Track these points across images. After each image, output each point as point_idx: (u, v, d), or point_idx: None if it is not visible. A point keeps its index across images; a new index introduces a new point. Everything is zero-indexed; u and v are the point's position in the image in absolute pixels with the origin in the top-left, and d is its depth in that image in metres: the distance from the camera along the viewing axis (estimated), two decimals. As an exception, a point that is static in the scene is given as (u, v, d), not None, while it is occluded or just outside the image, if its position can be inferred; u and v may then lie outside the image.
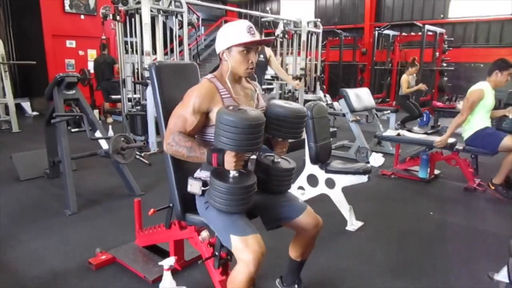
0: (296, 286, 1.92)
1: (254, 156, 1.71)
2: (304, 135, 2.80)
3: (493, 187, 3.54)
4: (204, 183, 1.63)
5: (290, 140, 1.72)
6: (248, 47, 1.58)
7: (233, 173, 1.51)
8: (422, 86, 6.83)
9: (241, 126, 1.40)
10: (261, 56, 3.75)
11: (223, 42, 1.61)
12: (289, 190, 1.81)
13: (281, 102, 1.65)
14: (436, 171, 4.20)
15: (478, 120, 3.61)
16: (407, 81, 6.56)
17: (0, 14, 8.94)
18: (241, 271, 1.47)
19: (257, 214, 1.78)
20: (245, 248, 1.45)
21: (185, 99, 1.60)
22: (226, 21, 10.93)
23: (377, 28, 10.79)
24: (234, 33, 1.58)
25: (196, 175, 1.71)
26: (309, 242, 1.79)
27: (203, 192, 1.63)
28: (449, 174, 4.23)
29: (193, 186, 1.66)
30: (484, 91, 3.53)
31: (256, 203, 1.66)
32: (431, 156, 4.00)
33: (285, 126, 1.60)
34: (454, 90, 9.37)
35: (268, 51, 4.24)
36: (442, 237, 2.73)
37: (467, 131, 3.71)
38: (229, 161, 1.47)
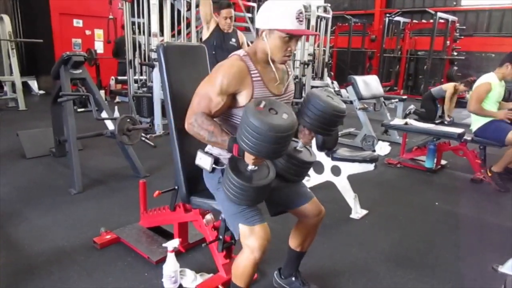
0: (293, 278, 1.88)
1: None
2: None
3: (490, 174, 3.51)
4: (216, 161, 1.58)
5: None
6: (291, 35, 1.44)
7: (251, 167, 1.41)
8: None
9: (267, 135, 1.26)
10: (233, 40, 3.63)
11: (268, 21, 1.44)
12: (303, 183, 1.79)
13: (323, 94, 1.52)
14: (443, 162, 4.17)
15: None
16: (451, 91, 6.33)
17: (8, -9, 8.86)
18: (246, 257, 1.48)
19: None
20: (251, 235, 1.45)
21: (212, 76, 1.48)
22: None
23: (387, 15, 10.59)
24: (282, 15, 1.41)
25: (207, 149, 1.63)
26: (310, 231, 1.77)
27: (213, 169, 1.58)
28: (456, 164, 4.20)
29: (203, 161, 1.59)
30: (491, 84, 3.51)
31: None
32: (438, 146, 3.96)
33: (320, 120, 1.49)
34: (464, 80, 9.23)
35: (241, 36, 3.86)
36: (447, 228, 2.72)
37: (475, 123, 3.67)
38: (249, 157, 1.37)
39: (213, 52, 3.39)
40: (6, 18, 6.55)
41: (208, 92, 1.46)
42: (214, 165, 1.58)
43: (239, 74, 1.45)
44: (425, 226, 2.73)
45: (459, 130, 3.80)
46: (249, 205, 1.49)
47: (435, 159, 3.96)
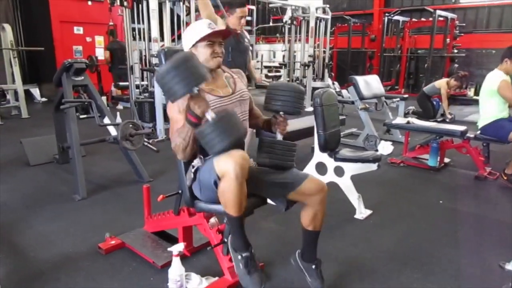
0: (313, 266, 1.86)
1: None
2: (313, 122, 2.78)
3: (505, 177, 3.49)
4: (194, 168, 1.72)
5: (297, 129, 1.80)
6: (212, 40, 1.71)
7: (209, 115, 1.53)
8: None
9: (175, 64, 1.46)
10: (245, 39, 3.55)
11: (189, 42, 1.75)
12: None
13: (282, 82, 1.74)
14: (446, 160, 4.16)
15: (496, 110, 3.58)
16: (446, 88, 6.33)
17: (9, 0, 8.92)
18: (227, 180, 1.51)
19: (266, 197, 1.84)
20: (226, 158, 1.50)
21: (170, 103, 1.67)
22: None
23: (386, 14, 10.59)
24: (196, 31, 1.72)
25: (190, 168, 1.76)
26: (318, 209, 1.77)
27: (195, 173, 1.71)
28: (460, 162, 4.19)
29: (188, 176, 1.75)
30: (506, 79, 3.50)
31: (261, 184, 1.75)
32: (441, 144, 3.95)
33: (291, 99, 1.78)
34: (466, 78, 9.21)
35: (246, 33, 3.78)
36: (452, 226, 2.71)
37: (483, 120, 3.67)
38: (193, 105, 1.52)
39: (229, 59, 3.14)
40: (8, 27, 6.60)
41: (174, 114, 1.69)
42: (192, 170, 1.72)
43: None
44: (430, 225, 2.72)
45: (461, 128, 3.79)
46: (231, 143, 1.52)
47: (438, 157, 3.95)
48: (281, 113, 1.84)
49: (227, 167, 1.49)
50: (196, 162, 1.72)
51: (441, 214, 2.92)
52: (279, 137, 1.84)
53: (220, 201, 1.58)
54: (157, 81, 1.50)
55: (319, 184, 1.77)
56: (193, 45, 1.74)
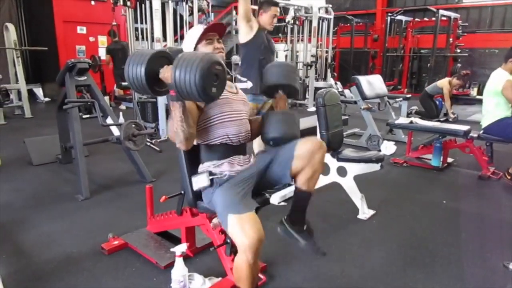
0: (304, 227, 1.80)
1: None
2: (316, 122, 2.78)
3: (509, 177, 3.48)
4: (210, 173, 1.70)
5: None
6: (209, 38, 1.75)
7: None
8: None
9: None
10: (272, 40, 3.51)
11: (191, 43, 1.78)
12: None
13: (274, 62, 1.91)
14: (450, 159, 4.14)
15: (499, 109, 3.57)
16: (448, 88, 6.31)
17: (12, 0, 8.95)
18: (240, 258, 1.51)
19: (270, 184, 1.83)
20: (241, 232, 1.47)
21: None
22: (235, 7, 10.83)
23: (389, 14, 10.56)
24: (193, 35, 1.77)
25: (199, 169, 1.76)
26: (317, 168, 1.69)
27: (211, 181, 1.68)
28: (463, 162, 4.17)
29: (200, 181, 1.72)
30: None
31: (262, 170, 1.75)
32: (444, 144, 3.94)
33: (285, 74, 1.92)
34: (468, 76, 9.18)
35: None
36: (455, 226, 2.70)
37: (487, 119, 3.66)
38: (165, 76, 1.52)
39: (262, 57, 3.12)
40: (11, 27, 6.61)
41: None
42: (210, 177, 1.69)
43: None
44: (434, 225, 2.71)
45: (465, 127, 3.78)
46: (213, 95, 1.48)
47: (442, 157, 3.94)
48: (280, 92, 1.92)
49: (241, 245, 1.47)
50: (207, 166, 1.73)
51: (444, 214, 2.90)
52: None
53: (233, 268, 1.60)
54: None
55: (317, 142, 1.70)
56: (194, 49, 1.77)
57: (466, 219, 2.83)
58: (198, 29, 1.77)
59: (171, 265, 1.92)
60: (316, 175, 1.72)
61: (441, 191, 3.41)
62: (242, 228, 1.47)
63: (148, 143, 4.46)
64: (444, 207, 3.04)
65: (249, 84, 2.48)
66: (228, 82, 1.84)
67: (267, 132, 1.81)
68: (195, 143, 1.76)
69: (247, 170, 1.75)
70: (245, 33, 3.10)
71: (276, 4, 3.18)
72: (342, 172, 2.88)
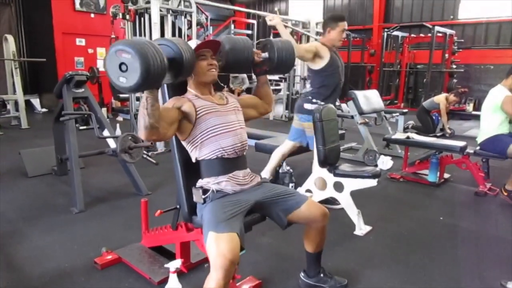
0: (321, 275, 1.98)
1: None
2: (312, 136, 2.78)
3: (505, 193, 3.48)
4: (204, 191, 1.70)
5: None
6: (203, 54, 1.74)
7: None
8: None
9: None
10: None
11: None
12: (295, 190, 1.87)
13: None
14: (446, 175, 4.15)
15: (496, 125, 3.58)
16: (445, 103, 6.36)
17: (12, 11, 9.03)
18: (211, 277, 1.47)
19: (265, 215, 1.83)
20: (215, 251, 1.45)
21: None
22: (234, 21, 10.96)
23: (386, 29, 10.71)
24: None
25: (197, 184, 1.76)
26: (319, 233, 1.86)
27: (204, 199, 1.69)
28: (460, 178, 4.17)
29: (196, 196, 1.73)
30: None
31: (261, 201, 1.74)
32: (441, 159, 3.95)
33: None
34: (465, 94, 9.27)
35: None
36: (452, 243, 2.68)
37: (483, 135, 3.67)
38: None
39: (340, 80, 3.21)
40: (10, 38, 6.65)
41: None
42: (202, 195, 1.69)
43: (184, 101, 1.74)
44: (430, 242, 2.70)
45: (461, 143, 3.79)
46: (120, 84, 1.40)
47: (438, 173, 3.94)
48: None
49: (213, 262, 1.46)
50: (205, 182, 1.73)
51: (441, 231, 2.89)
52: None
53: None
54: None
55: (320, 209, 1.81)
56: None
57: (463, 236, 2.82)
58: (192, 44, 1.77)
59: (164, 281, 1.90)
60: (320, 239, 1.89)
61: (438, 207, 3.41)
62: (218, 247, 1.45)
63: (145, 155, 4.44)
64: (441, 223, 3.03)
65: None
66: (217, 94, 1.87)
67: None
68: (193, 160, 1.76)
69: (246, 192, 1.74)
70: (317, 63, 3.08)
71: (343, 18, 3.08)
72: (338, 187, 2.87)
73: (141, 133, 1.51)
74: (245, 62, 1.88)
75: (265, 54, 1.94)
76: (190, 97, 1.76)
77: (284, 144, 3.37)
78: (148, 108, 1.46)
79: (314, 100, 3.09)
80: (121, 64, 1.36)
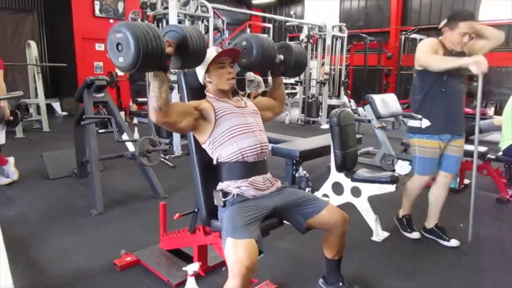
0: (340, 284, 1.94)
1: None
2: (330, 141, 2.77)
3: None
4: (224, 194, 1.70)
5: None
6: (222, 62, 1.78)
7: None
8: None
9: None
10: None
11: (201, 70, 1.82)
12: (313, 194, 1.91)
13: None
14: (466, 181, 4.05)
15: None
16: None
17: (35, 18, 9.31)
18: (228, 283, 1.48)
19: (283, 219, 1.84)
20: (233, 257, 1.46)
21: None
22: (250, 25, 11.01)
23: (403, 32, 10.58)
24: (207, 58, 1.76)
25: (218, 187, 1.76)
26: (339, 239, 1.83)
27: (224, 203, 1.69)
28: (481, 184, 4.06)
29: (216, 199, 1.73)
30: None
31: (280, 206, 1.74)
32: (461, 165, 3.86)
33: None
34: (485, 95, 9.03)
35: None
36: (473, 251, 2.62)
37: (506, 141, 3.57)
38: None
39: (443, 89, 2.66)
40: (33, 44, 6.84)
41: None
42: (222, 198, 1.69)
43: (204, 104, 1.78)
44: (450, 249, 2.64)
45: (482, 149, 3.71)
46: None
47: (458, 179, 3.86)
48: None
49: (230, 269, 1.46)
50: (225, 185, 1.74)
51: (462, 238, 2.82)
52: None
53: None
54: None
55: (340, 215, 1.79)
56: (206, 72, 1.81)
57: (484, 243, 2.75)
58: (211, 52, 1.78)
59: (182, 283, 1.92)
60: (340, 245, 1.86)
61: (458, 213, 3.33)
62: (235, 253, 1.45)
63: (162, 159, 4.50)
64: (461, 230, 2.96)
65: (424, 123, 2.41)
66: (235, 97, 1.90)
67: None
68: (214, 161, 1.77)
69: (265, 198, 1.74)
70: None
71: (468, 18, 2.46)
72: (356, 192, 2.84)
73: (151, 115, 1.60)
74: (270, 61, 1.93)
75: (280, 56, 2.00)
76: (208, 100, 1.81)
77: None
78: (155, 90, 1.54)
79: (412, 115, 2.63)
80: (117, 44, 1.45)
